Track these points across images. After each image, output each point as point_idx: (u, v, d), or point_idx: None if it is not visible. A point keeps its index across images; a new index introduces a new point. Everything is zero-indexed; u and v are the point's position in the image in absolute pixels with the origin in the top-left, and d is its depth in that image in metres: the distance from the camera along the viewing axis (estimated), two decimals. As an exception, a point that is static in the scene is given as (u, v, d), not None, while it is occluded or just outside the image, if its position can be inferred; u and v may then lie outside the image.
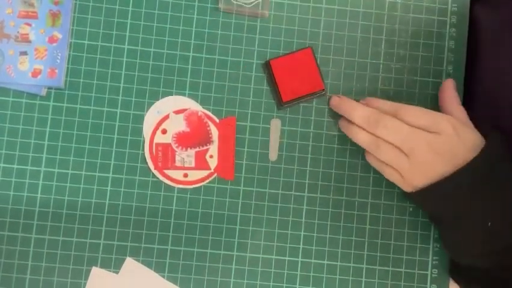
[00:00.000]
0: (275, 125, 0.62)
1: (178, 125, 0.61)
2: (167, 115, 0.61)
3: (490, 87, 0.61)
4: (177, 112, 0.61)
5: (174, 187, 0.61)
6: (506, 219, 0.53)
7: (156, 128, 0.61)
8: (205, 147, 0.61)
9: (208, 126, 0.61)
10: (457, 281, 0.62)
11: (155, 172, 0.60)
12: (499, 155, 0.54)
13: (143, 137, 0.61)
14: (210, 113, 0.62)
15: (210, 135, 0.61)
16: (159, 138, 0.61)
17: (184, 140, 0.61)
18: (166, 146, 0.61)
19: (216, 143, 0.61)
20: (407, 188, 0.57)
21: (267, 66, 0.62)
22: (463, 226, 0.55)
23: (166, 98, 0.61)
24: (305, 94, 0.61)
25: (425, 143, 0.54)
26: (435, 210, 0.58)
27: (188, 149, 0.61)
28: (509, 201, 0.54)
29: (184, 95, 0.62)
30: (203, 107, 0.62)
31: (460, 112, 0.58)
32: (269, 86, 0.62)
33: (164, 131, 0.61)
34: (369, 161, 0.60)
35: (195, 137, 0.61)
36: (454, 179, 0.53)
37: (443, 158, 0.54)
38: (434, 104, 0.63)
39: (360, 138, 0.58)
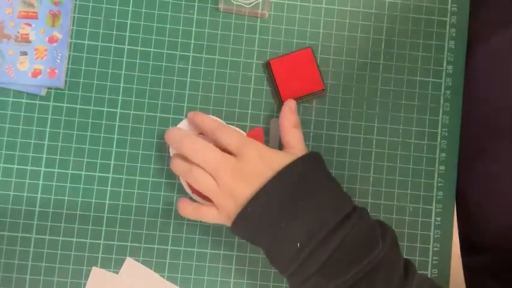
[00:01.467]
0: (275, 125, 0.62)
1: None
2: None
3: (489, 86, 0.61)
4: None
5: (174, 188, 0.61)
6: (314, 239, 0.50)
7: None
8: None
9: None
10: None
11: (194, 196, 0.58)
12: (303, 174, 0.53)
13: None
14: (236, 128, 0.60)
15: None
16: None
17: None
18: None
19: None
20: (227, 221, 0.55)
21: (267, 66, 0.62)
22: (274, 250, 0.53)
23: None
24: (305, 94, 0.61)
25: (229, 168, 0.53)
26: (249, 238, 0.55)
27: None
28: (312, 222, 0.51)
29: (184, 94, 0.62)
30: (204, 108, 0.62)
31: (292, 135, 0.57)
32: (269, 86, 0.63)
33: None
34: (184, 214, 0.58)
35: None
36: (255, 200, 0.52)
37: (247, 181, 0.53)
38: (434, 104, 0.63)
39: (175, 164, 0.56)
